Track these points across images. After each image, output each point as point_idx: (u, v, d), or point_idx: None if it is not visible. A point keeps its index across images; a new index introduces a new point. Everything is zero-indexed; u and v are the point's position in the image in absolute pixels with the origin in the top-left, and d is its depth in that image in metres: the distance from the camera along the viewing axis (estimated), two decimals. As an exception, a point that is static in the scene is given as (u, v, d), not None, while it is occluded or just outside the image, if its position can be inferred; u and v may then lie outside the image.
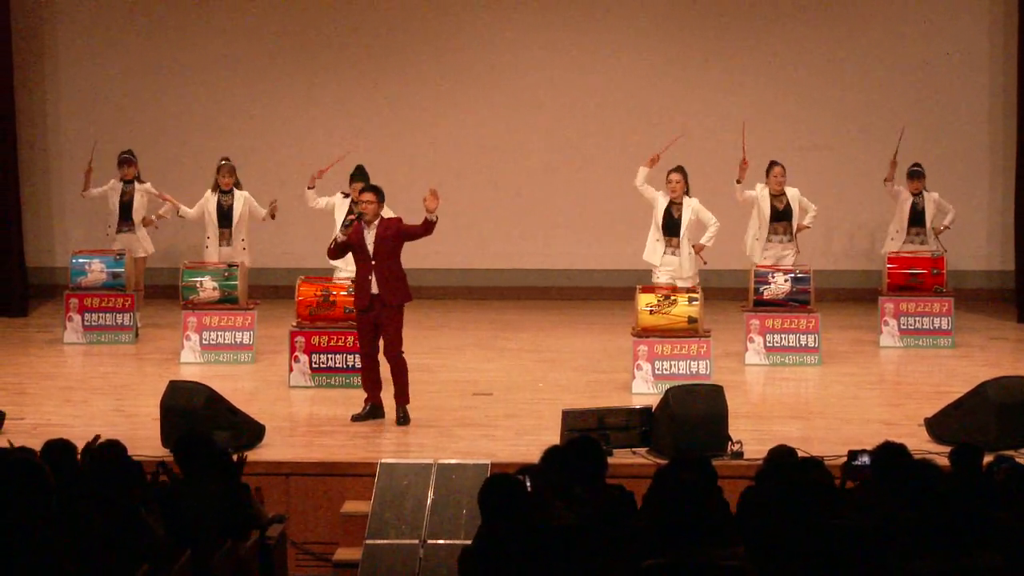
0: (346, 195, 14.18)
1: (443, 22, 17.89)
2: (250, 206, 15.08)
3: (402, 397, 11.96)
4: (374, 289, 11.79)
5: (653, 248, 14.14)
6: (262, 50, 17.88)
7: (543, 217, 17.82)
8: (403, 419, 11.90)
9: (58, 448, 8.17)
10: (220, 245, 15.03)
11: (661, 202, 14.08)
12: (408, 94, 17.90)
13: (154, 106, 17.85)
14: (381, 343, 11.98)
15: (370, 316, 11.86)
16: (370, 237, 11.80)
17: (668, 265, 14.06)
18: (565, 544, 6.97)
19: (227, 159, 15.17)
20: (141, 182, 15.65)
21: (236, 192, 15.08)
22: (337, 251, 12.12)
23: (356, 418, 11.98)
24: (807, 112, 17.68)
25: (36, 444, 8.63)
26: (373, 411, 12.02)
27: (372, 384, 12.01)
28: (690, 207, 14.02)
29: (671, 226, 14.04)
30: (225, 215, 15.04)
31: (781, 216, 14.82)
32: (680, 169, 14.15)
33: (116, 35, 17.89)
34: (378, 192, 11.97)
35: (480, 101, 17.93)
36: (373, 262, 11.79)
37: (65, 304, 15.18)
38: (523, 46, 17.87)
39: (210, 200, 15.08)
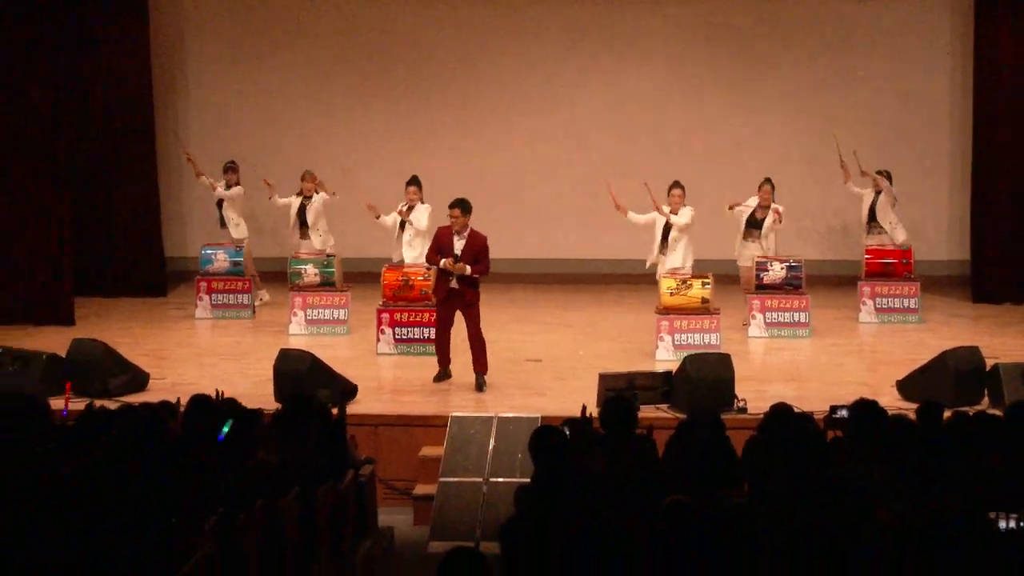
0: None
1: (491, 48, 17.73)
2: (324, 203, 15.15)
3: (482, 367, 11.91)
4: (453, 285, 11.78)
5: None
6: (343, 78, 17.80)
7: (579, 214, 17.62)
8: (482, 385, 11.83)
9: (198, 402, 8.23)
10: (302, 239, 15.10)
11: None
12: (470, 107, 17.69)
13: (267, 121, 17.80)
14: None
15: (449, 305, 11.87)
16: (459, 245, 11.75)
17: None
18: (600, 486, 7.00)
19: (309, 170, 15.28)
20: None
21: (315, 196, 15.15)
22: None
23: (437, 379, 12.04)
24: (794, 130, 17.48)
25: (174, 398, 8.76)
26: (446, 374, 12.09)
27: (447, 354, 12.08)
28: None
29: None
30: (306, 216, 15.09)
31: (755, 224, 14.55)
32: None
33: (238, 63, 17.87)
34: (463, 207, 11.84)
35: (536, 116, 17.66)
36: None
37: (196, 287, 15.26)
38: (565, 63, 17.73)
39: (294, 203, 15.17)
